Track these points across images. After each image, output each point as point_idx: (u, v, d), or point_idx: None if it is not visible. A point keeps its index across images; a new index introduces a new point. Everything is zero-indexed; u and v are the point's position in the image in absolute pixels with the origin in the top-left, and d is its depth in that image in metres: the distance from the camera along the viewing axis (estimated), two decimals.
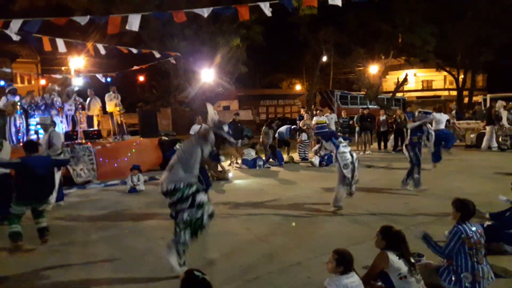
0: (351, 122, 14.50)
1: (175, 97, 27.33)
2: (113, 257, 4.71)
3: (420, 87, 43.68)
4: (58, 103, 10.47)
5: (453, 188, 7.25)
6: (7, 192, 5.39)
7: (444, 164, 9.34)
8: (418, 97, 40.44)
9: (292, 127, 13.09)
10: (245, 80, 30.74)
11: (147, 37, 15.89)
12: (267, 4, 6.53)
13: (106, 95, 11.97)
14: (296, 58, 33.69)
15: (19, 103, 9.83)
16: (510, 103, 14.69)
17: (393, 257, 3.18)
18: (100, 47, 10.06)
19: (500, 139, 13.66)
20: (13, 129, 9.72)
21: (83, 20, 6.64)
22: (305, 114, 13.26)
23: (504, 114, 13.22)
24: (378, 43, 25.57)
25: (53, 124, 7.36)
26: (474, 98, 32.51)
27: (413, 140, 7.51)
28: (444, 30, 25.53)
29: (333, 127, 12.64)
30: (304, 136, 12.59)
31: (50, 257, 4.79)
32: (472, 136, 14.65)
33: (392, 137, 14.53)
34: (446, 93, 41.46)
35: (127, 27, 6.38)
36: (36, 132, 9.52)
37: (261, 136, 12.71)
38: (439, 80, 42.45)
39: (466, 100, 33.25)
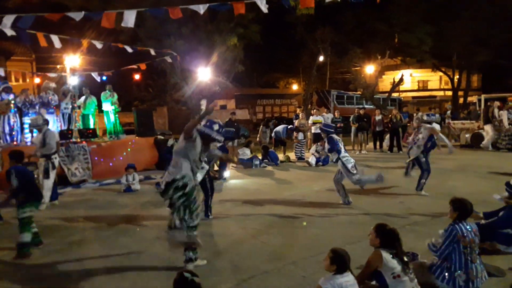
0: (339, 125, 14.37)
1: (172, 96, 27.31)
2: (108, 256, 4.69)
3: (416, 87, 43.87)
4: (54, 101, 10.39)
5: (448, 188, 7.28)
6: None
7: (439, 164, 9.38)
8: (414, 97, 40.63)
9: (289, 126, 13.08)
10: (242, 79, 30.74)
11: (144, 36, 15.85)
12: (264, 0, 6.49)
13: (102, 94, 11.91)
14: (293, 58, 33.74)
15: (13, 102, 9.74)
16: (510, 103, 14.78)
17: (387, 256, 3.19)
18: (97, 42, 10.01)
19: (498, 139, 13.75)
20: (6, 128, 9.64)
21: (77, 16, 6.58)
22: (301, 114, 13.27)
23: (504, 114, 13.27)
24: (375, 43, 25.65)
25: (46, 122, 7.30)
26: (469, 99, 32.71)
27: (427, 146, 7.31)
28: (440, 30, 25.65)
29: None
30: (300, 135, 12.61)
31: (44, 256, 4.76)
32: (467, 136, 14.74)
33: (387, 137, 14.57)
34: (441, 93, 41.68)
35: (122, 24, 6.33)
36: (31, 131, 9.45)
37: (259, 135, 12.71)
38: (434, 80, 42.67)
39: (461, 100, 33.45)
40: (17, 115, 9.83)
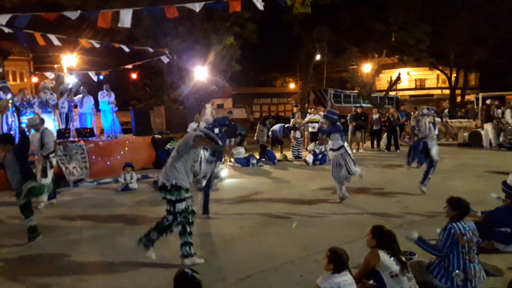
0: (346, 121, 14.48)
1: (169, 95, 27.27)
2: (105, 255, 4.69)
3: (413, 86, 43.97)
4: (52, 101, 10.36)
5: (445, 187, 7.31)
6: None
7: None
8: (411, 96, 40.72)
9: (286, 125, 13.10)
10: (239, 79, 30.69)
11: (140, 35, 15.79)
12: None
13: (99, 93, 11.89)
14: (290, 57, 33.73)
15: (10, 101, 9.73)
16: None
17: (384, 256, 3.20)
18: (94, 42, 9.98)
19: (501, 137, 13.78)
20: (5, 127, 9.63)
21: (73, 15, 6.55)
22: (297, 113, 13.29)
23: (507, 113, 13.29)
24: (372, 42, 25.65)
25: (42, 122, 7.28)
26: (467, 97, 32.79)
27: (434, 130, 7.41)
28: (438, 29, 25.67)
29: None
30: (297, 134, 12.62)
31: (42, 255, 4.76)
32: (465, 134, 14.76)
33: (385, 135, 14.60)
34: (439, 91, 41.80)
35: (119, 25, 6.31)
36: (29, 130, 9.41)
37: (256, 134, 12.71)
38: (432, 79, 42.77)
39: (458, 99, 33.53)
40: (15, 114, 9.82)
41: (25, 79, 27.06)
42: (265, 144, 12.36)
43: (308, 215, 6.14)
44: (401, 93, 38.98)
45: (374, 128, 14.48)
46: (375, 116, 14.44)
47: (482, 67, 34.97)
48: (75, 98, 11.22)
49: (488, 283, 3.68)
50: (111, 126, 11.80)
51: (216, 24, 16.12)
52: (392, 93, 32.82)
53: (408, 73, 41.40)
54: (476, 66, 33.96)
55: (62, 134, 9.85)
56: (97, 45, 10.03)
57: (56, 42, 8.64)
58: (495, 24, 25.77)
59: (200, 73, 15.43)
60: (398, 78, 29.25)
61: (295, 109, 14.68)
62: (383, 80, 38.94)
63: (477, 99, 17.76)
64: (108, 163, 10.19)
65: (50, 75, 12.01)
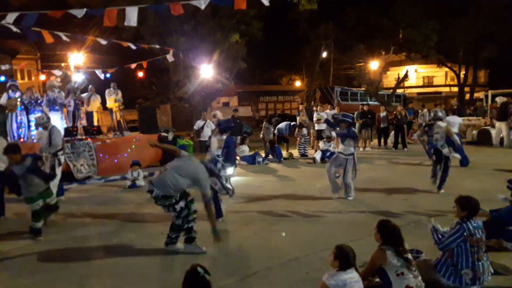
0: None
1: (175, 93, 27.31)
2: (112, 252, 4.72)
3: (421, 83, 43.61)
4: (60, 99, 10.44)
5: (453, 185, 7.25)
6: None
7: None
8: (419, 93, 40.42)
9: (292, 123, 13.08)
10: (244, 76, 30.69)
11: (146, 33, 15.84)
12: None
13: (106, 91, 11.96)
14: (296, 54, 33.65)
15: (19, 99, 9.83)
16: None
17: (390, 254, 3.19)
18: (100, 40, 10.04)
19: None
20: (14, 125, 9.75)
21: (79, 13, 6.58)
22: (302, 111, 13.26)
23: None
24: (379, 39, 25.47)
25: (49, 120, 7.34)
26: (476, 95, 32.45)
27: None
28: (446, 26, 25.41)
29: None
30: (304, 131, 12.60)
31: (49, 251, 4.81)
32: (473, 132, 14.60)
33: (392, 133, 14.51)
34: (447, 89, 41.40)
35: (125, 23, 6.33)
36: (37, 129, 9.51)
37: (262, 132, 12.70)
38: (440, 76, 42.37)
39: (467, 96, 33.18)
40: (24, 112, 9.92)
41: (33, 78, 27.27)
42: (274, 140, 12.34)
43: (314, 213, 6.13)
44: (408, 90, 38.68)
45: (381, 126, 14.40)
46: (382, 114, 14.36)
47: (491, 64, 34.57)
48: (82, 95, 11.29)
49: (496, 282, 3.66)
50: (118, 124, 11.88)
51: (221, 21, 16.11)
52: (399, 91, 32.59)
53: (415, 70, 41.06)
54: (485, 63, 33.58)
55: (70, 132, 9.94)
56: (103, 43, 10.08)
57: (64, 38, 8.70)
58: (504, 20, 25.44)
59: (206, 71, 15.45)
60: (406, 76, 29.03)
61: (301, 107, 14.66)
62: (391, 77, 38.70)
63: (486, 96, 17.56)
64: (115, 160, 10.26)
65: (57, 73, 12.11)
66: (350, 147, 6.80)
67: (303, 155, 12.54)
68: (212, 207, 4.67)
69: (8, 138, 9.46)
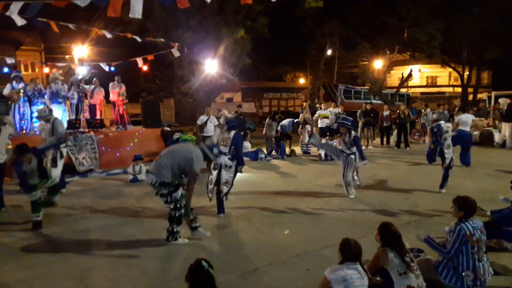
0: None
1: (179, 88, 27.27)
2: (114, 245, 4.74)
3: (424, 83, 43.47)
4: (63, 91, 10.45)
5: (454, 185, 7.23)
6: None
7: None
8: (422, 93, 40.29)
9: (295, 120, 13.07)
10: (249, 72, 30.64)
11: (152, 27, 15.83)
12: None
13: (110, 84, 11.96)
14: (301, 51, 33.58)
15: (22, 91, 9.83)
16: None
17: (392, 254, 3.21)
18: (106, 32, 10.01)
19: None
20: (17, 117, 9.76)
21: (83, 2, 6.54)
22: (305, 109, 13.24)
23: None
24: (384, 38, 25.39)
25: (51, 112, 7.36)
26: (479, 95, 32.35)
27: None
28: (450, 26, 25.32)
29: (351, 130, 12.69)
30: (308, 128, 12.60)
31: (50, 244, 4.84)
32: (476, 133, 14.54)
33: (395, 132, 14.48)
34: (450, 89, 41.28)
35: (130, 15, 6.28)
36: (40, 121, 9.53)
37: (264, 128, 12.69)
38: (444, 76, 42.22)
39: (470, 97, 33.08)
40: (27, 104, 9.93)
41: (37, 70, 27.30)
42: (279, 136, 12.34)
43: (316, 210, 6.13)
44: (412, 90, 38.56)
45: (384, 125, 14.38)
46: (386, 112, 14.33)
47: (495, 65, 34.42)
48: (86, 86, 11.26)
49: (496, 282, 3.66)
50: (121, 117, 11.88)
51: (227, 17, 16.07)
52: (403, 90, 32.48)
53: (419, 70, 40.93)
54: (489, 64, 33.44)
55: (73, 124, 9.95)
56: (109, 36, 10.06)
57: (70, 26, 8.68)
58: (508, 21, 25.30)
59: (210, 66, 15.44)
60: (410, 75, 28.92)
61: (304, 104, 14.63)
62: (394, 76, 38.57)
63: (489, 97, 17.48)
64: (118, 154, 10.28)
65: (61, 65, 12.09)
66: (352, 147, 6.87)
67: (306, 152, 12.54)
68: (193, 188, 4.66)
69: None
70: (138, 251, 4.54)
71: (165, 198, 4.61)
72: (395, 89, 29.80)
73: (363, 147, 13.67)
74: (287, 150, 12.35)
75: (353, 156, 6.86)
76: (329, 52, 28.12)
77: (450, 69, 36.51)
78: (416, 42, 25.15)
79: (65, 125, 8.68)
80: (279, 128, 12.51)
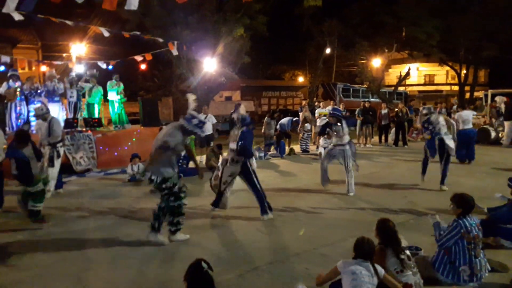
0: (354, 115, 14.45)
1: (177, 86, 27.24)
2: (111, 245, 4.72)
3: (422, 82, 43.54)
4: (60, 90, 10.40)
5: (452, 183, 7.25)
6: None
7: None
8: (420, 92, 40.36)
9: (294, 119, 13.07)
10: (247, 71, 30.61)
11: (150, 25, 15.78)
12: None
13: (108, 83, 11.91)
14: (300, 50, 33.55)
15: (18, 89, 9.78)
16: None
17: (390, 252, 3.25)
18: (103, 30, 9.94)
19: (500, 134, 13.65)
20: (13, 115, 9.70)
21: None
22: (304, 107, 13.24)
23: None
24: (382, 36, 25.42)
25: (48, 111, 7.32)
26: (476, 94, 32.44)
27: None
28: (448, 25, 25.38)
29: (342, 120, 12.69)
30: (307, 126, 12.60)
31: (47, 245, 4.81)
32: None
33: (393, 131, 14.51)
34: (448, 87, 41.36)
35: (125, 7, 6.19)
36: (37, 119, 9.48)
37: (263, 127, 12.68)
38: (441, 74, 42.30)
39: (467, 95, 33.18)
40: (24, 103, 9.87)
41: (34, 68, 27.17)
42: (280, 134, 12.33)
43: (315, 209, 6.13)
44: (410, 88, 38.62)
45: (383, 123, 14.41)
46: (384, 111, 14.36)
47: (492, 63, 34.55)
48: (84, 84, 11.19)
49: (493, 279, 3.69)
50: (119, 116, 11.84)
51: (226, 15, 16.05)
52: (401, 88, 32.53)
53: (417, 69, 41.00)
54: (486, 62, 33.54)
55: (70, 123, 9.90)
56: (106, 34, 10.00)
57: (68, 23, 8.61)
58: (505, 20, 25.39)
59: (209, 64, 15.40)
60: (408, 74, 28.97)
61: (304, 103, 14.63)
62: (392, 75, 38.63)
63: (486, 96, 17.54)
64: (116, 153, 10.24)
65: (58, 63, 11.99)
66: (345, 137, 6.98)
67: (305, 150, 12.55)
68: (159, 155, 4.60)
69: (7, 128, 9.43)
70: (136, 251, 4.52)
71: (168, 191, 4.55)
72: (393, 88, 29.86)
73: (362, 146, 13.80)
74: (287, 148, 12.36)
75: (348, 147, 6.96)
76: (327, 50, 28.12)
77: (448, 68, 36.60)
78: (414, 41, 25.21)
79: (62, 124, 8.63)
80: (278, 127, 12.50)
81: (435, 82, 43.09)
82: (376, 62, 26.91)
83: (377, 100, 25.10)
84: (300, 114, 13.11)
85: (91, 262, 4.28)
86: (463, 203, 3.73)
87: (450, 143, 7.07)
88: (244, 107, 5.95)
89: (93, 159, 9.69)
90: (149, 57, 12.67)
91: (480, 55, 30.08)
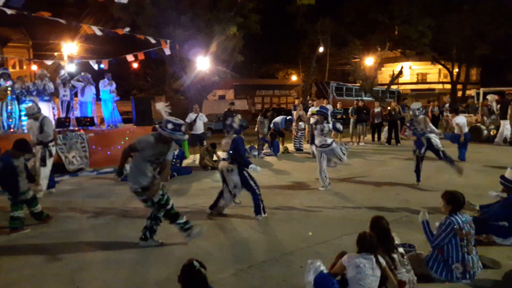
0: (339, 116, 14.50)
1: (170, 85, 27.14)
2: (104, 245, 4.69)
3: (415, 80, 43.84)
4: (50, 89, 10.29)
5: (444, 181, 7.31)
6: None
7: (435, 157, 9.40)
8: (412, 90, 40.62)
9: (288, 117, 13.08)
10: (241, 70, 30.56)
11: (143, 24, 15.68)
12: None
13: (100, 82, 11.81)
14: (293, 49, 33.56)
15: (9, 89, 9.66)
16: None
17: (381, 251, 3.28)
18: (95, 29, 9.85)
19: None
20: (4, 115, 9.57)
21: None
22: (298, 106, 13.26)
23: None
24: (375, 35, 25.52)
25: (39, 110, 7.24)
26: (468, 92, 32.74)
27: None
28: (440, 23, 25.56)
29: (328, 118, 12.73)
30: (301, 125, 12.61)
31: (39, 245, 4.77)
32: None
33: (386, 129, 14.58)
34: (440, 86, 41.69)
35: (116, 0, 6.13)
36: (29, 119, 9.38)
37: (257, 126, 12.68)
38: (433, 73, 42.64)
39: (459, 93, 33.47)
40: (15, 102, 9.76)
41: (25, 67, 26.92)
42: (274, 133, 12.33)
43: (309, 207, 6.15)
44: (402, 87, 38.87)
45: (375, 121, 14.48)
46: (377, 109, 14.43)
47: (484, 62, 34.93)
48: (76, 83, 11.09)
49: (485, 275, 3.72)
50: (112, 115, 11.75)
51: (219, 13, 15.99)
52: (393, 87, 32.70)
53: (410, 67, 41.24)
54: (478, 61, 33.88)
55: (62, 123, 9.81)
56: (98, 33, 9.91)
57: (60, 21, 8.51)
58: (497, 19, 25.67)
59: (202, 63, 15.34)
60: (400, 72, 29.13)
61: (296, 101, 14.64)
62: (385, 73, 38.83)
63: (477, 94, 17.71)
64: (108, 152, 10.17)
65: (49, 62, 11.85)
66: (329, 137, 7.28)
67: (298, 149, 12.57)
68: (123, 155, 4.56)
69: None
70: (130, 251, 4.50)
71: (150, 203, 4.44)
72: (386, 86, 29.98)
73: (355, 144, 13.86)
74: (280, 147, 12.37)
75: (331, 147, 7.16)
76: (321, 49, 28.15)
77: (440, 66, 36.90)
78: (407, 40, 25.32)
79: (54, 123, 8.54)
80: (271, 125, 12.50)
81: (428, 80, 43.42)
82: (369, 60, 27.01)
83: (370, 98, 25.20)
84: (294, 113, 13.13)
85: (85, 262, 4.24)
86: (453, 200, 3.77)
87: (436, 140, 7.23)
88: (240, 116, 5.91)
89: (85, 158, 9.62)
90: (141, 56, 12.58)
91: (472, 53, 30.36)
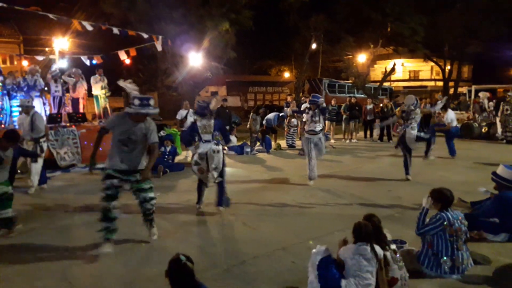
0: (340, 111, 14.56)
1: (162, 81, 26.99)
2: (97, 242, 4.66)
3: (407, 77, 44.07)
4: (40, 85, 10.18)
5: (436, 177, 7.37)
6: None
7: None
8: (405, 87, 40.83)
9: (280, 114, 13.09)
10: (233, 66, 30.43)
11: (135, 20, 15.57)
12: None
13: (92, 78, 11.71)
14: (286, 45, 33.48)
15: (0, 84, 9.55)
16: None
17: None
18: (87, 24, 9.77)
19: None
20: None
21: None
22: (291, 102, 13.28)
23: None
24: (368, 32, 25.56)
25: (33, 105, 7.19)
26: (460, 89, 33.01)
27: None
28: (433, 21, 25.66)
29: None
30: (294, 122, 12.63)
31: (33, 241, 4.73)
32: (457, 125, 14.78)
33: (377, 125, 14.65)
34: (432, 83, 41.98)
35: None
36: (21, 113, 9.28)
37: (249, 123, 12.68)
38: (426, 70, 42.89)
39: (451, 91, 33.72)
40: (6, 97, 9.65)
41: (15, 62, 26.54)
42: (265, 130, 12.34)
43: (301, 203, 6.17)
44: (395, 84, 39.03)
45: (368, 118, 14.55)
46: (369, 106, 14.49)
47: (476, 59, 35.17)
48: (68, 79, 10.99)
49: (476, 271, 3.76)
50: (103, 111, 11.67)
51: (211, 9, 15.94)
52: (386, 84, 32.83)
53: (402, 64, 41.41)
54: (470, 58, 34.14)
55: (54, 118, 9.72)
56: (90, 28, 9.83)
57: (51, 16, 8.44)
58: (489, 17, 25.84)
59: (195, 59, 15.28)
60: (393, 69, 29.26)
61: (289, 98, 14.65)
62: (378, 70, 38.93)
63: (469, 91, 17.85)
64: (100, 148, 10.06)
65: (40, 58, 11.73)
66: (319, 124, 7.30)
67: (291, 146, 12.59)
68: (96, 138, 4.70)
69: None
70: (122, 246, 4.49)
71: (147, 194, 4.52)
72: (378, 83, 30.09)
73: (347, 141, 13.92)
74: (273, 144, 12.38)
75: (321, 134, 7.28)
76: (313, 46, 28.17)
77: (432, 63, 37.11)
78: (399, 37, 25.42)
79: (45, 118, 8.46)
80: (264, 122, 12.50)
81: (420, 77, 43.68)
82: (362, 57, 27.10)
83: (362, 95, 25.28)
84: (287, 109, 13.13)
85: (76, 258, 4.22)
86: (441, 198, 3.81)
87: (411, 135, 7.35)
88: (216, 100, 5.90)
89: (77, 154, 9.55)
90: (133, 52, 12.50)
91: (464, 51, 30.59)
